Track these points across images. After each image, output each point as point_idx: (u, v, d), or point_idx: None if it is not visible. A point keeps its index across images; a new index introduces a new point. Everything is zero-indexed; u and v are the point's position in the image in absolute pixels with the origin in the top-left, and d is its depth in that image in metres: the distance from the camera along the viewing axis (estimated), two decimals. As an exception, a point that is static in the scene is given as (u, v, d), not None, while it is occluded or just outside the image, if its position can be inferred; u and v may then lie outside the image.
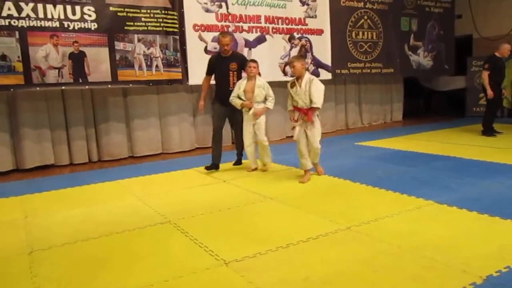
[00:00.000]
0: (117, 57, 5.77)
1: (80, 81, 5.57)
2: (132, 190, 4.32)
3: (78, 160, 6.05)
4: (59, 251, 2.81)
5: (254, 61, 4.76)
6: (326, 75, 7.86)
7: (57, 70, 5.39)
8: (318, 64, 7.73)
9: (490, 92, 6.63)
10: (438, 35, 9.56)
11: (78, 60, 5.51)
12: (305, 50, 7.55)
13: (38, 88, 5.37)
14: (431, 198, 3.54)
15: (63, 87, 5.60)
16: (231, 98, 4.72)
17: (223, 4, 6.62)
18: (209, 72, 5.06)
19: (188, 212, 3.53)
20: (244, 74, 4.92)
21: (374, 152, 5.92)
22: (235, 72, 4.95)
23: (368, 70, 8.46)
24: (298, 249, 2.65)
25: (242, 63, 4.96)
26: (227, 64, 4.90)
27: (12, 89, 5.24)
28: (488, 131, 6.78)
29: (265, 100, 4.77)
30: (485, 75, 6.67)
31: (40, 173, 5.52)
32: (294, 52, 7.41)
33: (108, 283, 2.33)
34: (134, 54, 5.87)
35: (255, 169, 4.99)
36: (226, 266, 2.46)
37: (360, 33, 8.24)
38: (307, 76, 4.25)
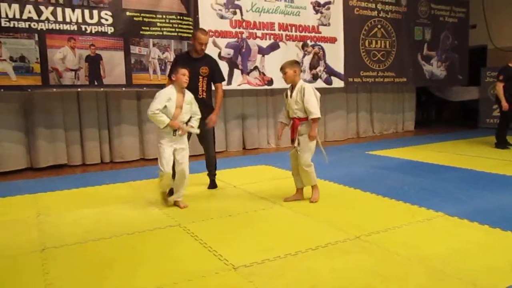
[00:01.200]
0: (132, 60, 5.86)
1: (96, 83, 5.67)
2: (143, 192, 4.37)
3: (90, 161, 6.14)
4: (71, 250, 2.86)
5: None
6: (338, 83, 7.87)
7: (73, 72, 5.49)
8: (330, 72, 7.75)
9: (504, 104, 6.57)
10: (452, 45, 9.51)
11: (94, 63, 5.61)
12: (318, 58, 7.58)
13: (54, 89, 5.48)
14: (442, 209, 3.52)
15: (79, 89, 5.70)
16: (153, 111, 3.58)
17: (238, 10, 6.69)
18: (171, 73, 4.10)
19: (197, 216, 3.56)
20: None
21: (385, 161, 5.90)
22: (205, 78, 4.23)
23: (381, 79, 8.45)
24: (306, 257, 2.66)
25: (214, 69, 4.32)
26: (198, 67, 4.15)
27: (29, 90, 5.35)
28: (502, 144, 6.71)
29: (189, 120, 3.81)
30: (500, 86, 6.62)
31: (53, 172, 5.61)
32: (307, 59, 7.44)
33: (118, 283, 2.36)
34: (149, 58, 5.95)
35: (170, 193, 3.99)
36: (235, 271, 2.48)
37: (373, 41, 8.25)
38: (299, 84, 3.79)
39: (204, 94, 4.24)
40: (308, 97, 3.70)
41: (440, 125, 10.38)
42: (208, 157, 4.52)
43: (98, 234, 3.14)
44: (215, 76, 4.35)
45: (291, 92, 3.83)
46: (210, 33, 6.45)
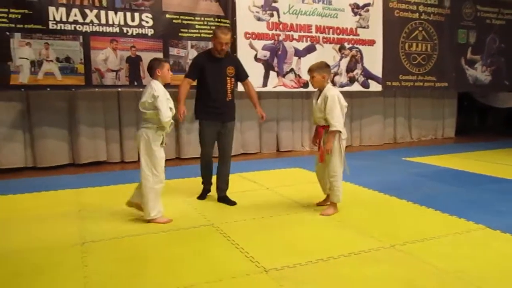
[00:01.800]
0: (171, 62, 5.99)
1: (135, 83, 5.84)
2: (178, 191, 4.45)
3: (128, 159, 6.32)
4: (108, 245, 2.96)
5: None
6: (376, 87, 7.71)
7: (114, 73, 5.69)
8: (368, 75, 7.61)
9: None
10: (498, 49, 9.10)
11: (134, 64, 5.78)
12: (355, 61, 7.46)
13: (96, 89, 5.69)
14: (483, 222, 3.37)
15: (119, 89, 5.89)
16: (170, 117, 3.33)
17: (275, 13, 6.70)
18: (193, 75, 3.98)
19: (230, 216, 3.59)
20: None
21: (422, 168, 5.73)
22: (232, 79, 4.01)
23: (421, 84, 8.21)
24: (338, 264, 2.62)
25: (239, 67, 4.10)
26: (224, 68, 3.93)
27: (73, 89, 5.59)
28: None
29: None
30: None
31: (93, 169, 5.82)
32: (344, 62, 7.34)
33: (152, 280, 2.42)
34: (186, 59, 6.07)
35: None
36: (266, 274, 2.48)
37: (414, 44, 8.03)
38: (325, 90, 3.54)
39: (231, 96, 4.04)
40: (331, 106, 3.44)
41: (483, 132, 9.95)
42: (224, 168, 4.09)
43: (134, 230, 3.23)
44: (241, 73, 4.14)
45: (317, 97, 3.61)
46: (247, 35, 6.51)
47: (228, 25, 6.32)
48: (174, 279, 2.41)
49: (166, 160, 6.55)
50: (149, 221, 3.35)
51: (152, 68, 3.41)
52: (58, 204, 4.05)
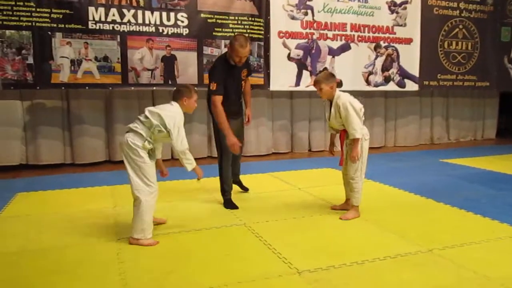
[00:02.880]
0: (204, 61, 6.04)
1: (170, 82, 5.93)
2: (209, 190, 4.48)
3: (162, 157, 6.36)
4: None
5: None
6: (412, 86, 7.50)
7: (150, 72, 5.79)
8: (404, 74, 7.41)
9: None
10: (544, 47, 8.63)
11: (169, 63, 5.86)
12: (391, 60, 7.27)
13: (132, 88, 5.82)
14: (527, 227, 3.21)
15: (154, 88, 5.99)
16: (187, 147, 3.00)
17: (309, 11, 6.63)
18: (223, 90, 3.79)
19: (262, 216, 3.58)
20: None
21: (461, 170, 5.52)
22: (244, 80, 4.12)
23: (460, 83, 7.91)
24: (373, 267, 2.56)
25: (249, 68, 4.19)
26: (239, 73, 3.95)
27: (110, 88, 5.74)
28: None
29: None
30: None
31: (128, 166, 5.95)
32: (379, 61, 7.18)
33: (186, 277, 2.44)
34: (220, 59, 6.09)
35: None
36: (299, 275, 2.45)
37: (454, 43, 7.74)
38: (336, 98, 3.44)
39: (241, 95, 4.17)
40: (346, 115, 3.35)
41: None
42: (238, 160, 4.22)
43: (168, 228, 3.27)
44: (248, 71, 4.18)
45: (330, 107, 3.50)
46: (281, 34, 6.47)
47: (261, 24, 6.31)
48: (207, 278, 2.42)
49: (198, 159, 6.62)
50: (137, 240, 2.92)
51: (181, 94, 3.12)
52: (94, 200, 4.16)
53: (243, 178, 4.77)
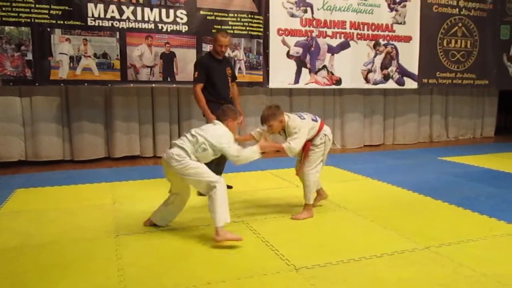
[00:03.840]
0: (204, 58, 6.04)
1: (169, 80, 5.93)
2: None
3: (161, 153, 6.36)
4: (142, 238, 3.02)
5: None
6: (411, 84, 7.51)
7: (149, 69, 5.79)
8: (403, 72, 7.41)
9: None
10: (544, 45, 8.64)
11: (168, 60, 5.86)
12: (390, 58, 7.28)
13: (131, 85, 5.82)
14: (525, 225, 3.23)
15: (153, 85, 5.99)
16: (239, 151, 3.08)
17: (308, 9, 6.62)
18: (203, 79, 4.13)
19: (260, 213, 3.59)
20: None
21: (460, 168, 5.53)
22: (230, 78, 4.38)
23: (459, 81, 7.92)
24: (370, 264, 2.57)
25: (233, 71, 4.53)
26: (224, 68, 4.30)
27: (109, 85, 5.74)
28: None
29: None
30: None
31: (127, 163, 5.97)
32: (379, 59, 7.18)
33: (185, 274, 2.45)
34: (219, 56, 6.10)
35: None
36: (296, 272, 2.46)
37: (453, 41, 7.75)
38: (287, 126, 3.37)
39: (230, 94, 4.40)
40: (292, 134, 3.30)
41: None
42: (222, 163, 4.20)
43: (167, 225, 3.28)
44: (234, 75, 4.53)
45: (285, 136, 3.43)
46: (280, 32, 6.47)
47: (261, 21, 6.31)
48: (206, 274, 2.43)
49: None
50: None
51: (227, 115, 3.16)
52: (93, 196, 4.17)
53: (242, 175, 4.80)
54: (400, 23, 7.27)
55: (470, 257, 2.66)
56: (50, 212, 3.65)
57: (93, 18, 5.44)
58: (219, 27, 6.04)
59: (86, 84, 5.59)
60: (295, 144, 3.26)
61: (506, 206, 3.79)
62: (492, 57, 8.15)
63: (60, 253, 2.76)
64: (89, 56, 5.51)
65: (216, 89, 4.19)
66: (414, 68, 7.47)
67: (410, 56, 7.42)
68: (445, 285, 2.30)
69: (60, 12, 5.30)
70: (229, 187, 4.30)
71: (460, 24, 7.77)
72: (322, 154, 3.47)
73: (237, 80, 6.20)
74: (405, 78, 7.44)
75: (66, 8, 5.32)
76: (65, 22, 5.34)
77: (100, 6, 5.45)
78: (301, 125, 3.33)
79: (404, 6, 7.25)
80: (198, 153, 2.98)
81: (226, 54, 6.05)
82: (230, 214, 2.88)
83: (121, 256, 2.68)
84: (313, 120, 3.46)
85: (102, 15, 5.48)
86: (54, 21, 5.30)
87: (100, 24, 5.48)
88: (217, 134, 3.02)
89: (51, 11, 5.28)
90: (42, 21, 5.26)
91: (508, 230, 3.15)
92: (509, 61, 8.36)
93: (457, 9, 7.70)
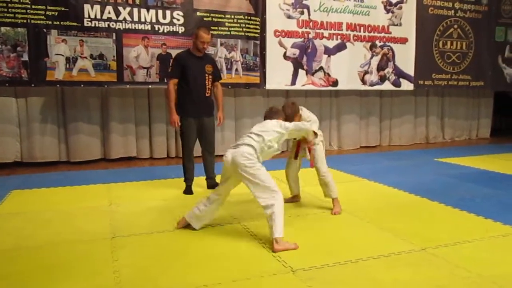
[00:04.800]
0: (200, 59, 6.03)
1: (165, 81, 5.90)
2: (206, 188, 4.48)
3: (157, 155, 6.42)
4: (138, 240, 3.01)
5: None
6: (407, 85, 7.53)
7: (145, 70, 5.78)
8: (399, 74, 7.44)
9: None
10: (538, 47, 8.70)
11: (165, 61, 5.85)
12: (387, 59, 7.30)
13: (128, 86, 5.81)
14: (520, 226, 3.24)
15: (150, 86, 5.98)
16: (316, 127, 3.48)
17: (305, 10, 6.63)
18: (177, 74, 4.16)
19: (257, 214, 3.56)
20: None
21: (456, 170, 5.55)
22: (210, 76, 4.28)
23: (455, 82, 7.96)
24: (367, 265, 2.57)
25: (216, 67, 4.47)
26: (203, 66, 4.22)
27: (106, 86, 5.72)
28: None
29: None
30: None
31: (124, 164, 5.95)
32: (375, 60, 7.21)
33: (181, 276, 2.44)
34: (216, 57, 6.09)
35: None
36: (293, 274, 2.46)
37: (448, 42, 7.78)
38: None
39: (209, 92, 4.34)
40: (307, 119, 3.70)
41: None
42: (211, 158, 4.46)
43: (163, 226, 3.27)
44: (216, 74, 4.46)
45: None
46: (277, 33, 6.48)
47: (258, 22, 6.32)
48: (202, 276, 2.43)
49: (195, 157, 6.63)
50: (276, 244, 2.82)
51: (276, 114, 3.32)
52: (89, 198, 4.15)
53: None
54: (396, 25, 7.30)
55: (466, 258, 2.67)
56: (46, 213, 3.63)
57: (89, 19, 5.42)
58: (216, 28, 6.05)
59: (82, 85, 5.58)
60: (313, 126, 3.54)
61: (502, 207, 3.80)
62: (487, 58, 8.19)
63: (56, 254, 2.74)
64: (86, 57, 5.49)
65: (190, 86, 4.15)
66: (410, 70, 7.50)
67: (406, 58, 7.45)
68: (441, 286, 2.30)
69: (56, 13, 5.29)
70: None
71: (455, 26, 7.80)
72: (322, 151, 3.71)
73: (234, 82, 6.31)
74: (401, 80, 7.47)
75: (62, 9, 5.30)
76: (61, 23, 5.33)
77: (97, 7, 5.44)
78: (311, 115, 3.76)
79: (400, 8, 7.28)
80: (263, 151, 3.06)
81: (223, 55, 6.17)
82: (227, 216, 2.89)
83: (117, 258, 2.67)
84: None
85: (98, 16, 5.46)
86: (50, 22, 5.28)
87: (97, 25, 5.47)
88: (278, 124, 3.16)
89: (47, 12, 5.26)
90: (38, 22, 5.24)
91: (504, 231, 3.16)
92: (504, 63, 8.40)
93: (452, 11, 7.73)
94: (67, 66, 5.43)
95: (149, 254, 2.76)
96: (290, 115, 3.50)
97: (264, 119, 3.32)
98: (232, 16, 6.14)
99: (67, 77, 5.45)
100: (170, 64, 4.18)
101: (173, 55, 5.80)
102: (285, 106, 3.58)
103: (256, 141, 3.03)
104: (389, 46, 7.29)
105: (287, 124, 3.19)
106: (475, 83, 8.15)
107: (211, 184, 4.42)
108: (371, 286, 2.32)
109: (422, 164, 6.01)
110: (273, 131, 3.10)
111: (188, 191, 4.34)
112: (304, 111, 3.75)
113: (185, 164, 4.36)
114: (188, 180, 4.37)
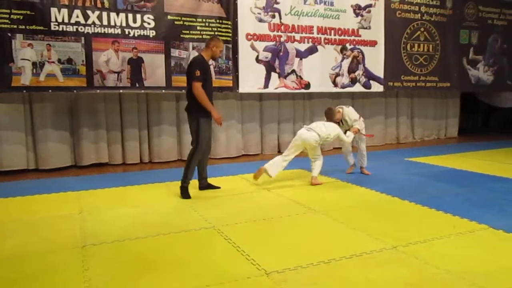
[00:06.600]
0: (172, 63, 5.99)
1: (137, 85, 5.84)
2: (178, 193, 4.44)
3: (130, 160, 6.32)
4: (109, 248, 2.95)
5: None
6: (377, 87, 7.70)
7: (116, 74, 5.69)
8: (370, 76, 7.59)
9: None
10: (501, 49, 9.07)
11: (136, 65, 5.78)
12: (357, 62, 7.44)
13: (98, 91, 5.69)
14: (486, 222, 3.36)
15: (121, 91, 5.88)
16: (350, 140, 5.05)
17: (276, 14, 6.69)
18: (203, 79, 4.23)
19: (231, 218, 3.58)
20: None
21: (426, 169, 5.70)
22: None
23: (423, 84, 8.19)
24: (340, 266, 2.61)
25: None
26: (210, 72, 4.53)
27: (75, 91, 5.59)
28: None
29: None
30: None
31: (95, 170, 5.82)
32: (346, 63, 7.33)
33: (154, 283, 2.41)
34: (188, 61, 6.05)
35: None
36: (267, 276, 2.47)
37: (416, 45, 8.00)
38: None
39: None
40: (353, 119, 5.28)
41: (487, 132, 9.91)
42: (208, 158, 4.63)
43: (135, 233, 3.22)
44: None
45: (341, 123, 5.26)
46: (249, 37, 6.50)
47: (229, 26, 6.32)
48: (175, 282, 2.40)
49: (169, 162, 6.57)
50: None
51: (333, 115, 5.08)
52: (59, 206, 4.04)
53: (213, 180, 4.78)
54: (366, 28, 7.45)
55: (435, 255, 2.75)
56: (11, 223, 3.51)
57: (56, 23, 5.29)
58: (188, 32, 6.02)
59: (50, 90, 5.43)
60: (360, 125, 5.18)
61: (468, 204, 3.93)
62: (453, 60, 8.47)
63: (23, 266, 2.66)
64: (53, 62, 5.35)
65: (208, 90, 4.29)
66: (380, 72, 7.67)
67: (376, 60, 7.61)
68: (411, 284, 2.36)
69: (21, 17, 5.14)
70: (217, 187, 4.63)
71: (422, 29, 8.04)
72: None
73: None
74: (371, 82, 7.62)
75: (28, 12, 5.16)
76: (27, 27, 5.18)
77: (64, 11, 5.32)
78: (357, 115, 5.23)
79: (369, 11, 7.44)
80: (322, 139, 4.84)
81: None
82: (201, 220, 2.87)
83: (88, 267, 2.61)
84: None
85: (66, 20, 5.34)
86: (15, 26, 5.12)
87: (64, 29, 5.34)
88: (333, 131, 4.90)
89: (12, 16, 5.10)
90: (2, 25, 5.07)
91: (471, 228, 3.27)
92: (469, 65, 8.71)
93: (419, 14, 7.96)
94: (34, 71, 5.28)
95: (121, 262, 2.71)
96: (332, 114, 5.05)
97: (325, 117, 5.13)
98: (204, 20, 6.12)
99: (34, 83, 5.30)
100: (195, 67, 4.18)
101: (145, 59, 5.80)
102: (326, 112, 5.17)
103: (317, 132, 4.76)
104: (359, 49, 7.43)
105: (337, 131, 4.94)
106: (442, 84, 8.41)
107: (205, 185, 4.56)
108: (343, 286, 2.35)
109: (393, 164, 6.14)
110: (333, 130, 4.88)
111: (187, 194, 4.27)
112: (344, 110, 5.19)
113: (193, 164, 4.34)
114: (188, 182, 4.32)
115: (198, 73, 4.14)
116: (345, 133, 5.01)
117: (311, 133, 4.75)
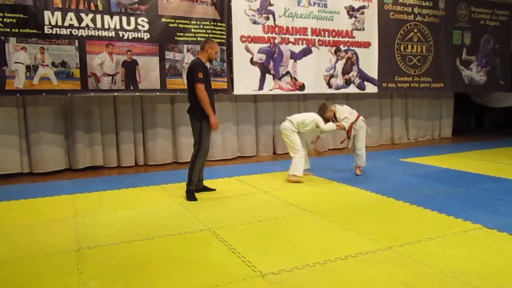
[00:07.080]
0: (167, 66, 5.99)
1: (131, 88, 5.83)
2: (175, 195, 4.44)
3: (125, 163, 6.30)
4: (104, 251, 2.94)
5: None
6: (372, 88, 7.73)
7: (110, 77, 5.68)
8: (364, 77, 7.63)
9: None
10: (493, 49, 9.15)
11: (130, 68, 5.77)
12: (351, 63, 7.48)
13: (92, 94, 5.68)
14: (480, 221, 3.38)
15: (116, 93, 5.88)
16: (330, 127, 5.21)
17: (271, 16, 6.71)
18: (205, 81, 4.27)
19: (227, 220, 3.58)
20: None
21: (420, 169, 5.73)
22: None
23: (417, 85, 8.24)
24: (335, 267, 2.62)
25: None
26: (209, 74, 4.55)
27: (69, 94, 5.57)
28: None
29: None
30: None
31: (90, 173, 5.81)
32: (340, 64, 7.36)
33: (148, 286, 2.41)
34: (183, 63, 6.06)
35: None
36: (263, 278, 2.47)
37: (409, 46, 8.05)
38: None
39: None
40: (343, 117, 5.31)
41: (480, 132, 9.98)
42: (206, 160, 4.62)
43: (131, 236, 3.21)
44: None
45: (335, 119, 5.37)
46: (243, 39, 6.52)
47: (224, 28, 6.33)
48: (171, 285, 2.40)
49: (164, 164, 6.58)
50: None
51: (324, 111, 5.26)
52: (53, 210, 4.02)
53: (209, 182, 4.78)
54: (360, 30, 7.49)
55: (429, 255, 2.76)
56: (6, 227, 3.49)
57: (50, 26, 5.28)
58: (182, 34, 6.03)
59: (44, 94, 5.42)
60: (346, 124, 5.23)
61: (462, 204, 3.96)
62: (446, 61, 8.53)
63: (18, 270, 2.65)
64: (47, 65, 5.34)
65: (209, 92, 4.29)
66: (374, 73, 7.71)
67: (369, 61, 7.65)
68: (406, 284, 2.37)
69: (14, 20, 5.12)
70: (212, 189, 4.63)
71: (415, 30, 8.09)
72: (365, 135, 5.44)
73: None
74: (365, 83, 7.66)
75: (21, 15, 5.14)
76: (20, 30, 5.16)
77: (58, 14, 5.30)
78: (345, 112, 5.27)
79: (363, 13, 7.48)
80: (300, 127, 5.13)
81: (190, 61, 6.11)
82: (197, 222, 2.87)
83: (83, 271, 2.60)
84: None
85: (59, 23, 5.33)
86: (8, 29, 5.11)
87: (58, 32, 5.33)
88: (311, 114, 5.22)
89: (5, 19, 5.09)
90: (-5, 29, 5.06)
91: (465, 227, 3.29)
92: (462, 65, 8.78)
93: (412, 16, 8.02)
94: (28, 74, 5.26)
95: (116, 265, 2.70)
96: (322, 110, 5.22)
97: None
98: (198, 22, 6.12)
99: (28, 86, 5.28)
100: (196, 70, 4.19)
101: (139, 62, 5.79)
102: (319, 108, 5.29)
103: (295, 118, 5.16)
104: (353, 50, 7.47)
105: (315, 117, 5.13)
106: (435, 84, 8.46)
107: (201, 187, 4.54)
108: (339, 287, 2.36)
109: (388, 164, 6.17)
110: (310, 116, 5.18)
111: (194, 197, 4.29)
112: (337, 108, 5.31)
113: (197, 166, 4.36)
114: (193, 185, 4.36)
115: (200, 75, 4.17)
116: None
117: (285, 122, 5.15)
